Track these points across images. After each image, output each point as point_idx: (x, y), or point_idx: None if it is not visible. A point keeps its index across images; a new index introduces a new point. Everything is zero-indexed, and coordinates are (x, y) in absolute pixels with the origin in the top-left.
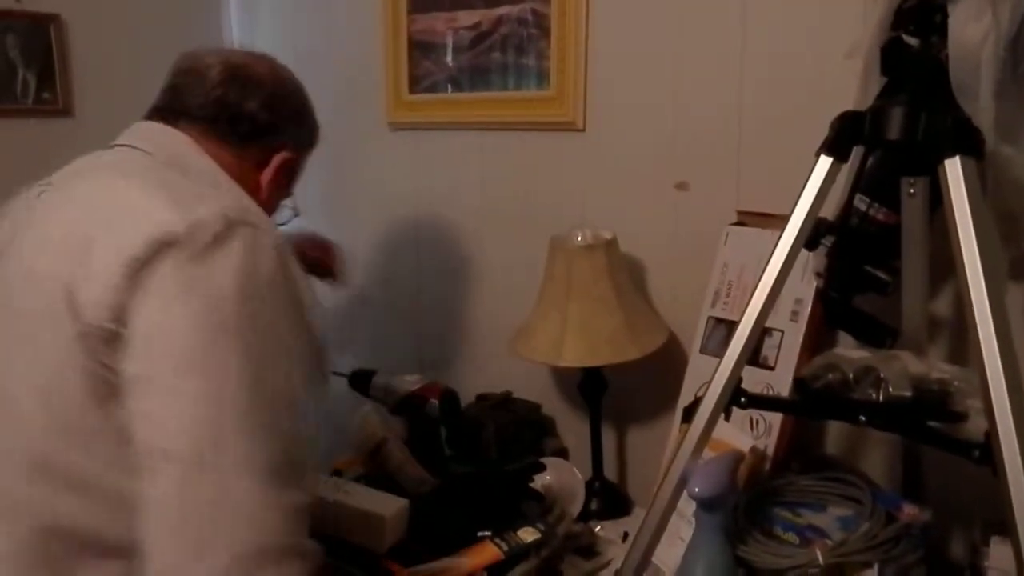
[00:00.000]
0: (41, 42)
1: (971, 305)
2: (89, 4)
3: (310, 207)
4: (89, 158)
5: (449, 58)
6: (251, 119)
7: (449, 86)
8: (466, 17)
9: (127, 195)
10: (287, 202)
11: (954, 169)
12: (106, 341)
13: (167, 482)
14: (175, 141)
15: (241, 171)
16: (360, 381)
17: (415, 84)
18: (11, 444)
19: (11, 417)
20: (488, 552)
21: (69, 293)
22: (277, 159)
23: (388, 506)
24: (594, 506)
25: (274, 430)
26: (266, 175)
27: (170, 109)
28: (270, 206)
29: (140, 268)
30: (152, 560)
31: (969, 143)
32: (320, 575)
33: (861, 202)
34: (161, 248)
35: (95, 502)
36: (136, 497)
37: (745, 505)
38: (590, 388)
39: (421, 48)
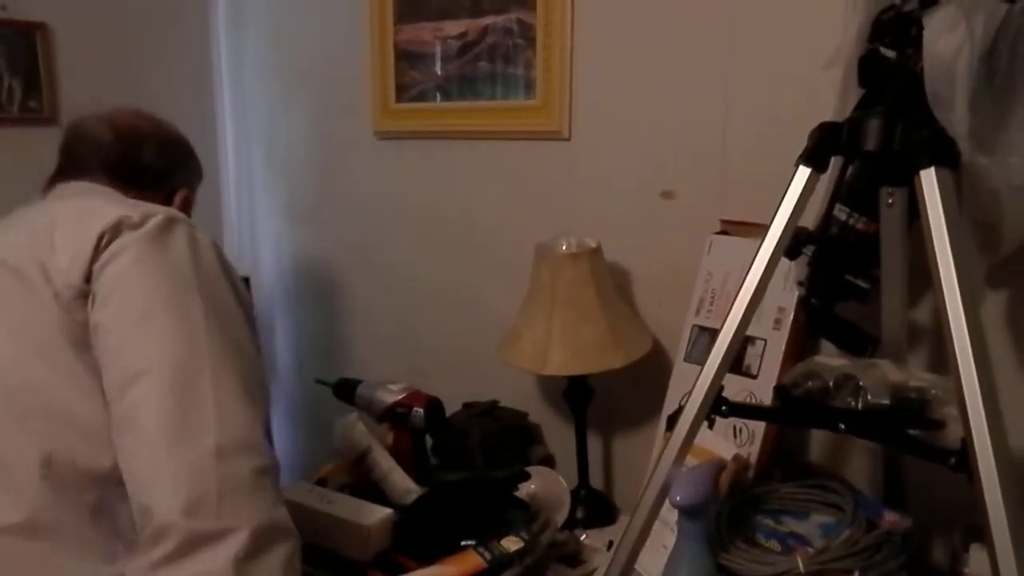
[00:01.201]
0: (27, 50)
1: (946, 314)
2: (76, 12)
3: (300, 216)
4: (27, 208)
5: (437, 67)
6: (151, 167)
7: (437, 95)
8: (452, 27)
9: (89, 203)
10: None
11: (929, 180)
12: (78, 297)
13: (147, 389)
14: (98, 187)
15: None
16: (345, 391)
17: (402, 93)
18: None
19: None
20: (471, 561)
21: (42, 266)
22: (179, 198)
23: (372, 516)
24: (580, 514)
25: (240, 361)
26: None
27: (76, 169)
28: None
29: (105, 240)
30: (135, 460)
31: (945, 154)
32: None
33: (841, 212)
34: (122, 226)
35: (85, 432)
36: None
37: (728, 513)
38: (576, 396)
39: (407, 58)
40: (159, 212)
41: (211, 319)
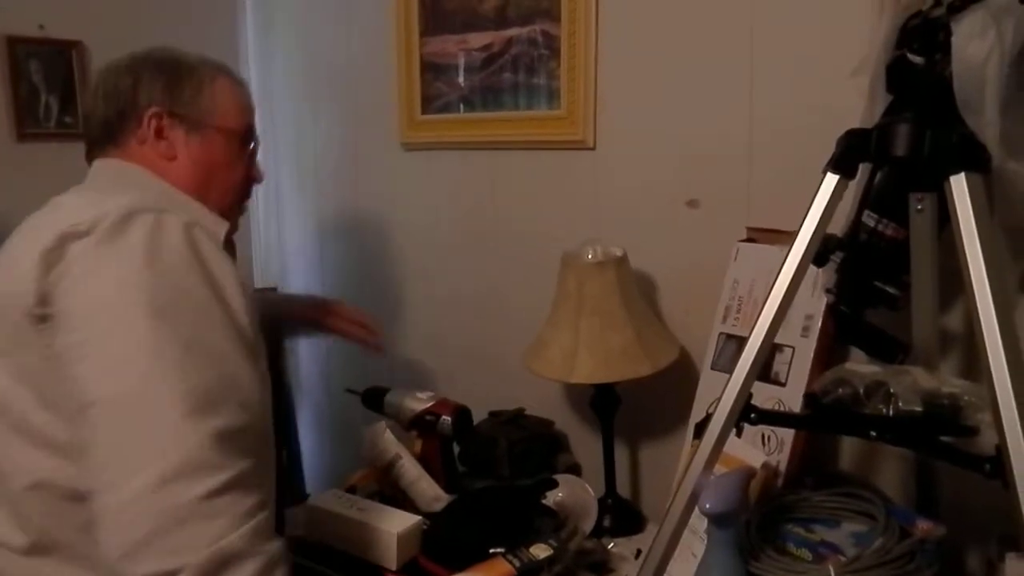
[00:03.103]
0: (63, 68)
1: (979, 320)
2: (110, 30)
3: (327, 226)
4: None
5: (461, 79)
6: (103, 116)
7: (461, 106)
8: (477, 39)
9: (60, 204)
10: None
11: (960, 185)
12: (39, 321)
13: (92, 422)
14: (99, 169)
15: (158, 168)
16: (373, 399)
17: (427, 105)
18: None
19: None
20: (500, 568)
21: (4, 292)
22: (147, 121)
23: (401, 523)
24: (607, 523)
25: (192, 366)
26: (160, 149)
27: (90, 144)
28: (217, 182)
29: (51, 259)
30: (95, 494)
31: (975, 159)
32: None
33: (869, 218)
34: (67, 239)
35: (62, 458)
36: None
37: (757, 521)
38: (602, 404)
39: (433, 69)
40: (112, 212)
41: (160, 324)
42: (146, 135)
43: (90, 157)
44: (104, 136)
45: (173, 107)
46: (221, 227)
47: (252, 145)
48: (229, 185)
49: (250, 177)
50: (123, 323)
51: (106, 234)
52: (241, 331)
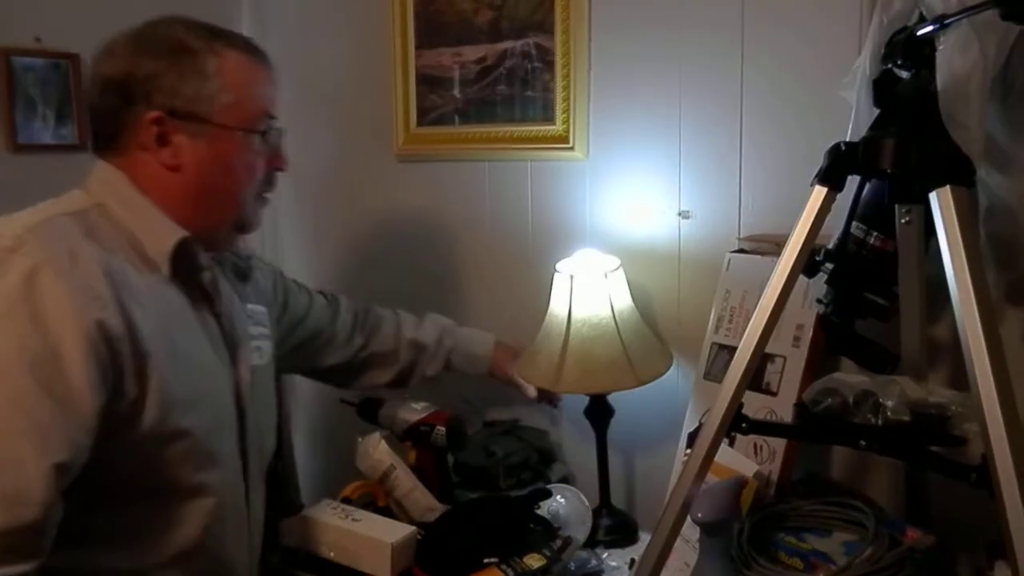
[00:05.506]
0: (60, 80)
1: (964, 331)
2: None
3: (324, 239)
4: None
5: (456, 91)
6: (102, 109)
7: (456, 118)
8: (471, 52)
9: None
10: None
11: (945, 198)
12: None
13: None
14: (95, 169)
15: (151, 180)
16: (368, 410)
17: (422, 117)
18: None
19: None
20: None
21: None
22: (147, 122)
23: (395, 533)
24: (601, 533)
25: None
26: (162, 158)
27: (93, 140)
28: (229, 186)
29: None
30: None
31: (960, 172)
32: None
33: (858, 229)
34: None
35: None
36: None
37: (749, 530)
38: (596, 414)
39: (428, 82)
40: None
41: None
42: (148, 142)
43: (95, 151)
44: (104, 139)
45: (175, 105)
46: (168, 240)
47: (271, 133)
48: (244, 186)
49: (272, 167)
50: None
51: None
52: (65, 395)
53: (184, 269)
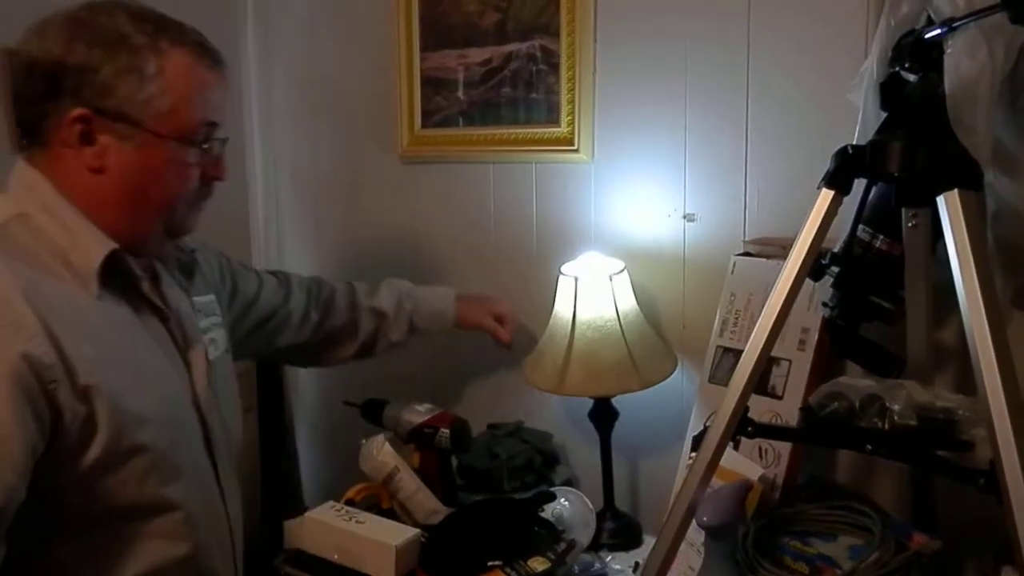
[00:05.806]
0: None
1: (972, 335)
2: None
3: (326, 240)
4: None
5: (461, 93)
6: (19, 99)
7: (461, 120)
8: (476, 54)
9: None
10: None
11: (953, 201)
12: None
13: None
14: (16, 169)
15: (73, 182)
16: (372, 412)
17: (427, 119)
18: None
19: None
20: None
21: None
22: (69, 121)
23: (399, 536)
24: (605, 536)
25: None
26: (85, 158)
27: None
28: (156, 196)
29: None
30: None
31: (967, 176)
32: None
33: (864, 233)
34: None
35: None
36: None
37: (754, 534)
38: (600, 417)
39: (433, 84)
40: None
41: None
42: (70, 139)
43: (18, 146)
44: (26, 131)
45: (105, 104)
46: (95, 255)
47: (210, 145)
48: (174, 196)
49: (208, 177)
50: None
51: None
52: None
53: (117, 282)
